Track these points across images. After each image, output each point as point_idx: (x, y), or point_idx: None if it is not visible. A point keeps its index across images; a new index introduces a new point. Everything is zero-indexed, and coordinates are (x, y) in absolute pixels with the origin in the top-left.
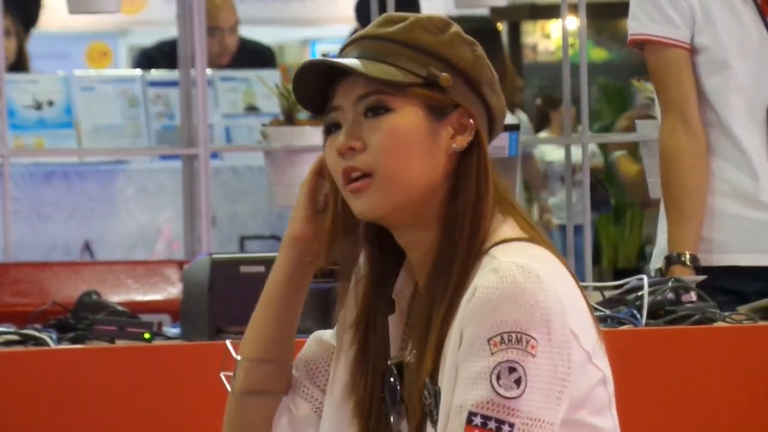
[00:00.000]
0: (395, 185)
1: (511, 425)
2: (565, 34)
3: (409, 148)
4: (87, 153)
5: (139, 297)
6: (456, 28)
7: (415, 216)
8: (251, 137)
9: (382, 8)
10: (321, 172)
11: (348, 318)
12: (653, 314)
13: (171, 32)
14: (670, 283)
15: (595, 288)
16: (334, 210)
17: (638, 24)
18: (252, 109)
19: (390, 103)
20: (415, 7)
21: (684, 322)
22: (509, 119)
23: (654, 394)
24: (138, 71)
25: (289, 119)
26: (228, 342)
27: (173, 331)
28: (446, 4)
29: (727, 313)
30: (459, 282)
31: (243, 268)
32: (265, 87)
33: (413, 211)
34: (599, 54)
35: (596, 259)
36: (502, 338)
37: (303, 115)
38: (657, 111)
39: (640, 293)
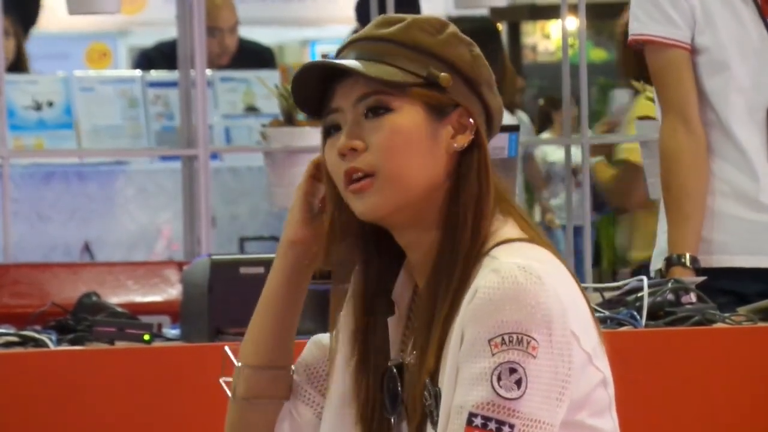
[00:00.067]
0: (397, 185)
1: (512, 426)
2: (565, 35)
3: (410, 148)
4: (87, 154)
5: (139, 298)
6: (453, 28)
7: (416, 216)
8: (251, 138)
9: (382, 8)
10: (316, 175)
11: (347, 321)
12: (653, 315)
13: (171, 33)
14: (669, 285)
15: (595, 289)
16: (333, 212)
17: (639, 24)
18: (252, 110)
19: (390, 103)
20: (415, 7)
21: (684, 323)
22: (509, 120)
23: (654, 395)
24: (138, 72)
25: (289, 120)
26: (227, 348)
27: (173, 332)
28: (446, 4)
29: (726, 315)
30: (460, 283)
31: (243, 269)
32: (265, 87)
33: (414, 211)
34: (599, 54)
35: (596, 260)
36: (503, 339)
37: (302, 115)
38: (657, 111)
39: (639, 294)
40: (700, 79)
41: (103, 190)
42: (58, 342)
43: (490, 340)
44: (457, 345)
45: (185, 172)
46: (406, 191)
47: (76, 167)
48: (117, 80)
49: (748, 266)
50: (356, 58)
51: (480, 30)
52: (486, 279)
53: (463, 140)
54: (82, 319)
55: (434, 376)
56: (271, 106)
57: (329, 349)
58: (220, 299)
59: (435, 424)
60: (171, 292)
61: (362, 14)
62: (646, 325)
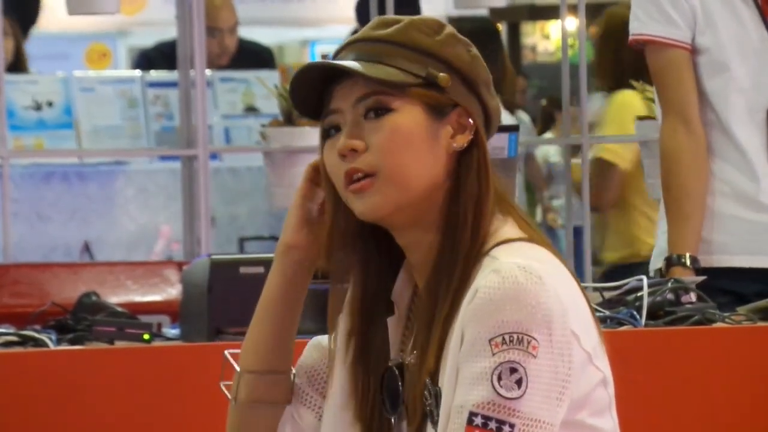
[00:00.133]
0: (397, 185)
1: (512, 426)
2: (565, 35)
3: (411, 148)
4: (86, 154)
5: (139, 298)
6: (450, 29)
7: (416, 216)
8: (250, 138)
9: (382, 8)
10: (315, 179)
11: (346, 321)
12: (653, 315)
13: (170, 33)
14: (669, 284)
15: (595, 288)
16: (332, 214)
17: (639, 24)
18: (251, 110)
19: (390, 103)
20: (414, 7)
21: (683, 322)
22: (509, 120)
23: (653, 394)
24: (137, 72)
25: (289, 120)
26: (227, 352)
27: (172, 332)
28: (446, 4)
29: (726, 314)
30: (460, 283)
31: (242, 269)
32: (265, 88)
33: (414, 211)
34: None
35: (596, 259)
36: (503, 339)
37: None
38: (657, 110)
39: (639, 294)
40: (700, 80)
41: (102, 190)
42: (58, 342)
43: (490, 340)
44: (458, 345)
45: (185, 172)
46: (406, 191)
47: (76, 167)
48: (117, 80)
49: (748, 266)
50: (355, 59)
51: (480, 30)
52: (486, 279)
53: (462, 140)
54: (81, 319)
55: (434, 376)
56: (271, 106)
57: (329, 350)
58: (220, 299)
59: (435, 424)
60: (171, 291)
61: (362, 14)
62: (646, 325)
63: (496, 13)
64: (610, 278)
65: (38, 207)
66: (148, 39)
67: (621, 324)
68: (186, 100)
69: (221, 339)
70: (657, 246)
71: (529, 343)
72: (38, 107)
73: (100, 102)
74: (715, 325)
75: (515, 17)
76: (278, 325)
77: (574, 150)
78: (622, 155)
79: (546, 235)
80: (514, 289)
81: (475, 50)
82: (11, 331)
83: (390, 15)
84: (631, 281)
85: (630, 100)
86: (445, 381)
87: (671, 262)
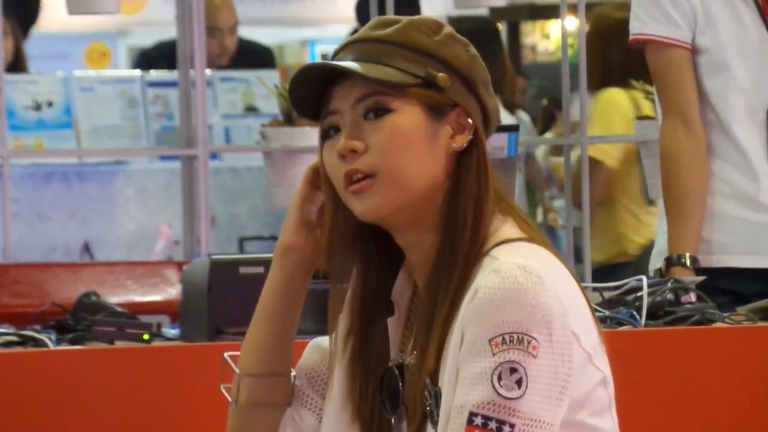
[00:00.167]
0: (398, 185)
1: (512, 426)
2: (565, 35)
3: (410, 148)
4: (86, 154)
5: (139, 298)
6: (449, 29)
7: (416, 216)
8: (250, 138)
9: (382, 8)
10: (314, 181)
11: (346, 322)
12: (652, 315)
13: (170, 33)
14: (669, 284)
15: (594, 288)
16: (332, 215)
17: (640, 24)
18: (251, 110)
19: (389, 103)
20: (414, 7)
21: (683, 322)
22: (509, 120)
23: (653, 394)
24: (137, 72)
25: (289, 120)
26: (226, 354)
27: (172, 332)
28: (446, 4)
29: (726, 314)
30: (460, 283)
31: (242, 269)
32: (265, 87)
33: (414, 212)
34: None
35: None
36: (503, 339)
37: None
38: (657, 110)
39: (639, 294)
40: (700, 80)
41: (102, 190)
42: (58, 342)
43: (490, 340)
44: (457, 345)
45: (185, 172)
46: (406, 192)
47: (76, 167)
48: (116, 80)
49: (747, 267)
50: (353, 60)
51: (480, 30)
52: (486, 279)
53: (462, 140)
54: (81, 319)
55: (434, 376)
56: (271, 106)
57: (329, 351)
58: (220, 299)
59: (435, 424)
60: (170, 291)
61: (362, 14)
62: (646, 325)
63: (496, 13)
64: (597, 278)
65: (38, 207)
66: (148, 39)
67: (621, 324)
68: (186, 99)
69: (221, 339)
70: (657, 246)
71: (529, 343)
72: (38, 107)
73: (100, 102)
74: (714, 325)
75: (515, 17)
76: (277, 327)
77: (555, 150)
78: (609, 153)
79: (546, 235)
80: (514, 289)
81: (473, 50)
82: (11, 331)
83: (390, 15)
84: (630, 281)
85: (616, 98)
86: (445, 381)
87: (671, 262)
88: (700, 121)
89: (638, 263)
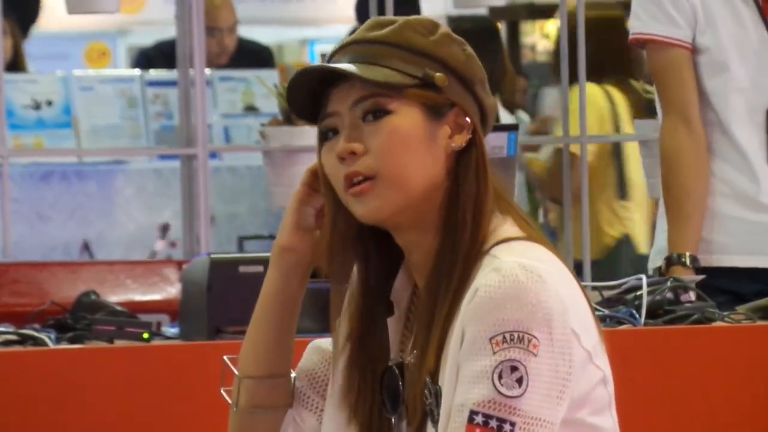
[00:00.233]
0: (398, 186)
1: (513, 424)
2: (564, 35)
3: (410, 149)
4: (86, 153)
5: (138, 297)
6: (445, 28)
7: (416, 217)
8: (250, 137)
9: (382, 8)
10: (312, 183)
11: (346, 322)
12: (652, 314)
13: (170, 32)
14: (669, 283)
15: (594, 287)
16: (332, 216)
17: (640, 23)
18: (251, 109)
19: (387, 105)
20: (414, 7)
21: (683, 321)
22: (508, 119)
23: (653, 393)
24: (137, 71)
25: (288, 119)
26: (226, 358)
27: (172, 331)
28: (445, 4)
29: (725, 313)
30: (460, 282)
31: (242, 268)
32: (264, 87)
33: (414, 212)
34: None
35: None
36: (504, 337)
37: None
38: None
39: (639, 293)
40: (700, 80)
41: (102, 189)
42: (57, 341)
43: (491, 339)
44: (458, 344)
45: (184, 172)
46: (406, 193)
47: (76, 166)
48: (116, 79)
49: (747, 266)
50: (350, 62)
51: (480, 29)
52: (487, 278)
53: (460, 140)
54: (81, 318)
55: (434, 375)
56: (270, 105)
57: (333, 352)
58: (220, 298)
59: (436, 423)
60: (170, 290)
61: (362, 14)
62: (646, 324)
63: (496, 13)
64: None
65: (38, 206)
66: (148, 38)
67: (620, 323)
68: (185, 99)
69: (221, 338)
70: (656, 245)
71: (529, 341)
72: (38, 106)
73: (100, 101)
74: (714, 324)
75: (515, 16)
76: (276, 328)
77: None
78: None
79: (546, 234)
80: (514, 287)
81: (469, 49)
82: (11, 330)
83: (388, 15)
84: (630, 280)
85: (590, 93)
86: (445, 380)
87: (671, 261)
88: (700, 121)
89: (614, 256)
